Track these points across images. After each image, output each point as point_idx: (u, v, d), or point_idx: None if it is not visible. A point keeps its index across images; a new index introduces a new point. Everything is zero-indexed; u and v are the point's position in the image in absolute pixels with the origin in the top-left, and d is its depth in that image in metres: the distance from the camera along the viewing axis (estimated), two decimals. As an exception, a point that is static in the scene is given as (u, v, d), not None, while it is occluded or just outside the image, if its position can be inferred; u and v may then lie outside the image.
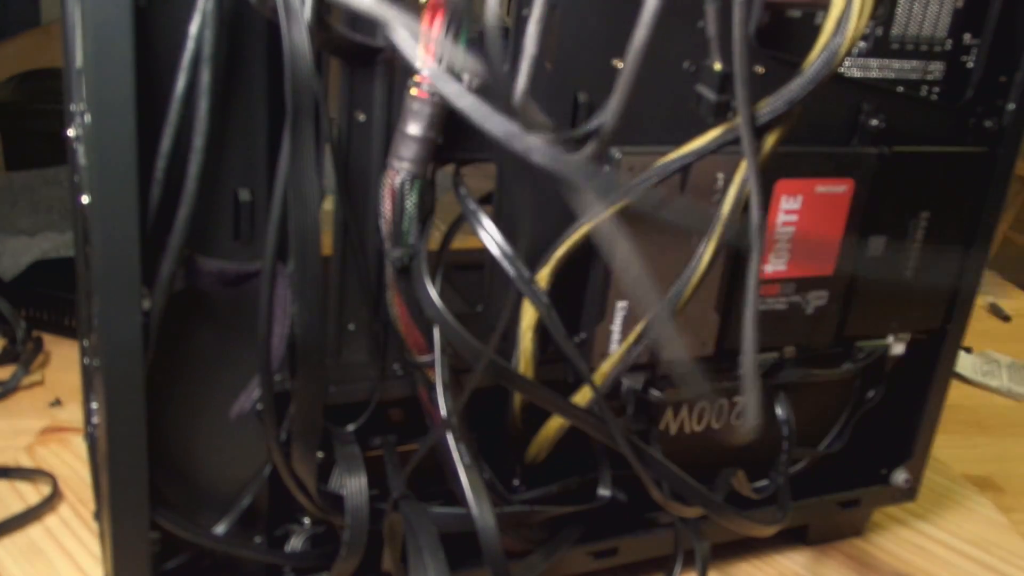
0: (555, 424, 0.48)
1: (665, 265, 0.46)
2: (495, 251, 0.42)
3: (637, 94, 0.38)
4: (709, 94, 0.42)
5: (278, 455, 0.41)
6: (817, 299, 0.52)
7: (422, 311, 0.41)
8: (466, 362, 0.42)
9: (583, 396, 0.47)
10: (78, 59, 0.37)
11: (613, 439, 0.46)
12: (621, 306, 0.47)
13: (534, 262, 0.45)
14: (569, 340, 0.44)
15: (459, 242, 0.45)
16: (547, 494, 0.50)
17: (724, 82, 0.40)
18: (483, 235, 0.42)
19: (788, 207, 0.49)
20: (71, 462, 0.62)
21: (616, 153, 0.44)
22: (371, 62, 0.39)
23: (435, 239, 0.43)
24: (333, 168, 0.40)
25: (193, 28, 0.35)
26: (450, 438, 0.41)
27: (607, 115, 0.37)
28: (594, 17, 0.43)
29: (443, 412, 0.42)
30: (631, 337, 0.46)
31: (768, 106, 0.42)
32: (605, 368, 0.47)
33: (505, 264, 0.42)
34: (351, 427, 0.45)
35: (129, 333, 0.38)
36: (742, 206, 0.44)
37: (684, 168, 0.43)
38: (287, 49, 0.34)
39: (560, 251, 0.44)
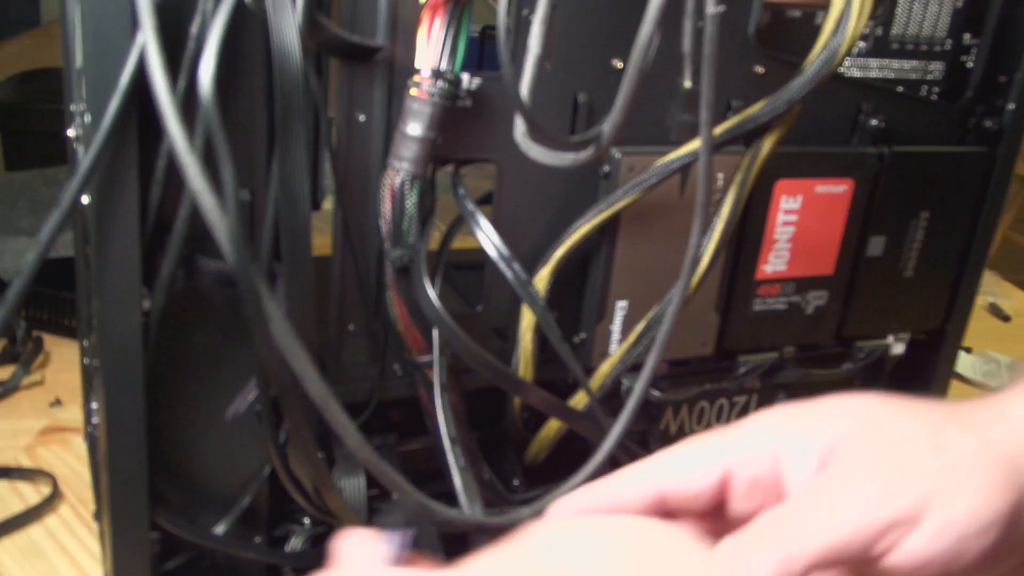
0: (555, 424, 0.48)
1: (666, 265, 0.46)
2: (492, 253, 0.42)
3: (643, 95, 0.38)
4: (675, 111, 0.43)
5: (275, 456, 0.41)
6: (817, 299, 0.53)
7: (421, 311, 0.41)
8: (465, 363, 0.42)
9: (582, 397, 0.47)
10: (78, 59, 0.37)
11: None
12: (621, 306, 0.47)
13: (534, 262, 0.45)
14: (564, 343, 0.44)
15: (459, 242, 0.45)
16: (547, 494, 0.50)
17: (691, 100, 0.40)
18: (481, 236, 0.42)
19: (788, 207, 0.49)
20: (71, 462, 0.62)
21: (616, 153, 0.44)
22: (369, 61, 0.39)
23: (435, 239, 0.43)
24: (332, 168, 0.40)
25: (193, 28, 0.35)
26: (446, 441, 0.41)
27: (612, 115, 0.37)
28: (594, 17, 0.43)
29: (440, 413, 0.42)
30: (631, 337, 0.46)
31: (768, 105, 0.42)
32: (605, 368, 0.47)
33: (502, 266, 0.42)
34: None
35: (129, 333, 0.38)
36: (742, 206, 0.44)
37: (684, 168, 0.43)
38: (275, 49, 0.34)
39: (560, 251, 0.44)
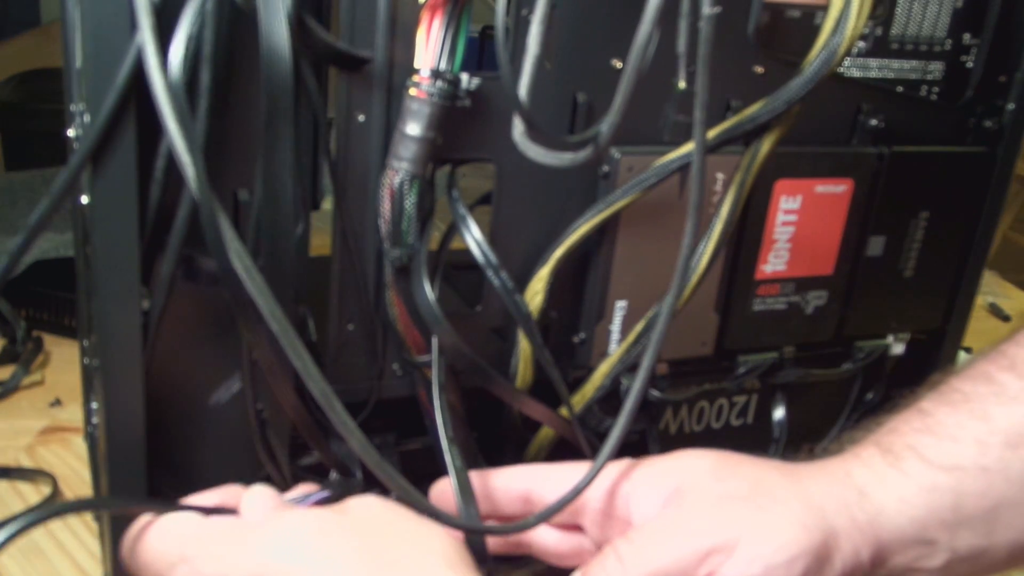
0: (555, 424, 0.48)
1: (665, 265, 0.46)
2: (480, 259, 0.42)
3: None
4: (670, 112, 0.43)
5: (263, 453, 0.42)
6: (817, 299, 0.53)
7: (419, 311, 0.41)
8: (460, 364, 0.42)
9: (582, 396, 0.47)
10: (78, 59, 0.37)
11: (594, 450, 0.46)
12: (620, 306, 0.47)
13: (533, 262, 0.45)
14: (546, 351, 0.44)
15: (460, 242, 0.45)
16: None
17: (686, 101, 0.40)
18: (470, 241, 0.42)
19: (788, 207, 0.49)
20: (71, 462, 0.62)
21: (615, 153, 0.44)
22: (357, 71, 0.39)
23: (435, 239, 0.43)
24: (330, 168, 0.40)
25: (193, 28, 0.35)
26: (444, 441, 0.41)
27: (610, 115, 0.37)
28: (594, 17, 0.43)
29: (438, 413, 0.42)
30: (630, 337, 0.46)
31: (766, 106, 0.42)
32: (604, 368, 0.47)
33: (489, 273, 0.42)
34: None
35: (128, 333, 0.38)
36: (741, 207, 0.44)
37: (683, 168, 0.43)
38: (264, 48, 0.34)
39: (559, 251, 0.44)
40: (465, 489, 0.40)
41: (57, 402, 0.68)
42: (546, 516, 0.40)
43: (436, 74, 0.38)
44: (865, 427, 0.41)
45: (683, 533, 0.37)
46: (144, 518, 0.37)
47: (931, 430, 0.38)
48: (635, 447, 0.51)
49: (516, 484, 0.42)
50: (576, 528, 0.42)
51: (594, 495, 0.40)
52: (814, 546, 0.36)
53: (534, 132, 0.38)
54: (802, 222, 0.50)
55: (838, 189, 0.50)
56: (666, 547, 0.37)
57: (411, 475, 0.46)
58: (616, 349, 0.47)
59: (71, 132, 0.46)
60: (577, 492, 0.39)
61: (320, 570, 0.33)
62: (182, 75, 0.34)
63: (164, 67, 0.33)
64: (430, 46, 0.38)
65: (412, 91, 0.38)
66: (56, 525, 0.56)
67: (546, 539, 0.42)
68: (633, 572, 0.36)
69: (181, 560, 0.35)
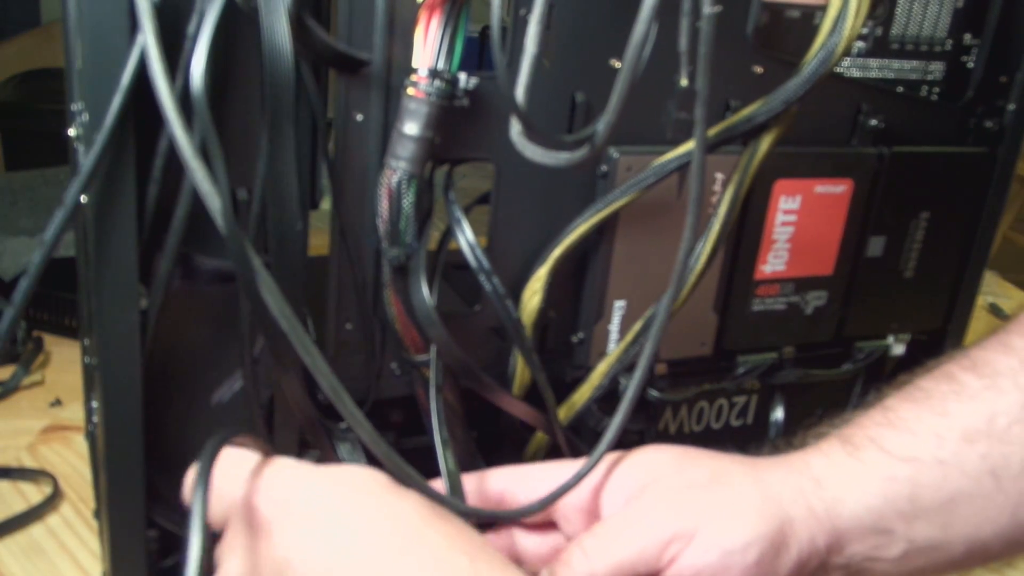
0: (554, 424, 0.48)
1: (663, 264, 0.46)
2: (472, 263, 0.42)
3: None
4: (671, 109, 0.43)
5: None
6: (816, 299, 0.52)
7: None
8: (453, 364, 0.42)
9: (581, 396, 0.47)
10: (78, 59, 0.37)
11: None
12: (619, 306, 0.47)
13: (532, 262, 0.45)
14: (535, 355, 0.44)
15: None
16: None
17: (686, 98, 0.40)
18: (463, 245, 0.42)
19: (787, 207, 0.49)
20: (73, 461, 0.62)
21: (614, 153, 0.44)
22: (355, 72, 0.39)
23: (435, 239, 0.43)
24: (329, 168, 0.40)
25: (190, 28, 0.35)
26: (438, 444, 0.41)
27: (607, 115, 0.37)
28: (592, 17, 0.43)
29: (434, 412, 0.42)
30: (628, 336, 0.46)
31: (764, 106, 0.42)
32: (602, 367, 0.47)
33: (481, 277, 0.42)
34: (344, 425, 0.45)
35: (126, 331, 0.38)
36: (739, 206, 0.44)
37: (681, 168, 0.43)
38: (266, 48, 0.34)
39: (558, 251, 0.44)
40: (456, 491, 0.40)
41: (57, 402, 0.68)
42: (543, 506, 0.40)
43: (434, 74, 0.38)
44: (831, 424, 0.42)
45: (644, 524, 0.38)
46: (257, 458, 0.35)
47: (891, 423, 0.39)
48: (634, 447, 0.51)
49: (493, 486, 0.42)
50: (552, 527, 0.42)
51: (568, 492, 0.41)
52: (769, 533, 0.37)
53: (531, 132, 0.38)
54: (802, 222, 0.50)
55: (838, 189, 0.50)
56: (628, 538, 0.38)
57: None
58: (614, 349, 0.47)
59: (71, 132, 0.46)
60: (569, 487, 0.39)
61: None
62: (204, 87, 0.33)
63: (167, 71, 0.33)
64: (428, 45, 0.38)
65: (410, 91, 0.38)
66: (57, 524, 0.56)
67: (526, 543, 0.43)
68: (598, 565, 0.37)
69: (285, 516, 0.34)
